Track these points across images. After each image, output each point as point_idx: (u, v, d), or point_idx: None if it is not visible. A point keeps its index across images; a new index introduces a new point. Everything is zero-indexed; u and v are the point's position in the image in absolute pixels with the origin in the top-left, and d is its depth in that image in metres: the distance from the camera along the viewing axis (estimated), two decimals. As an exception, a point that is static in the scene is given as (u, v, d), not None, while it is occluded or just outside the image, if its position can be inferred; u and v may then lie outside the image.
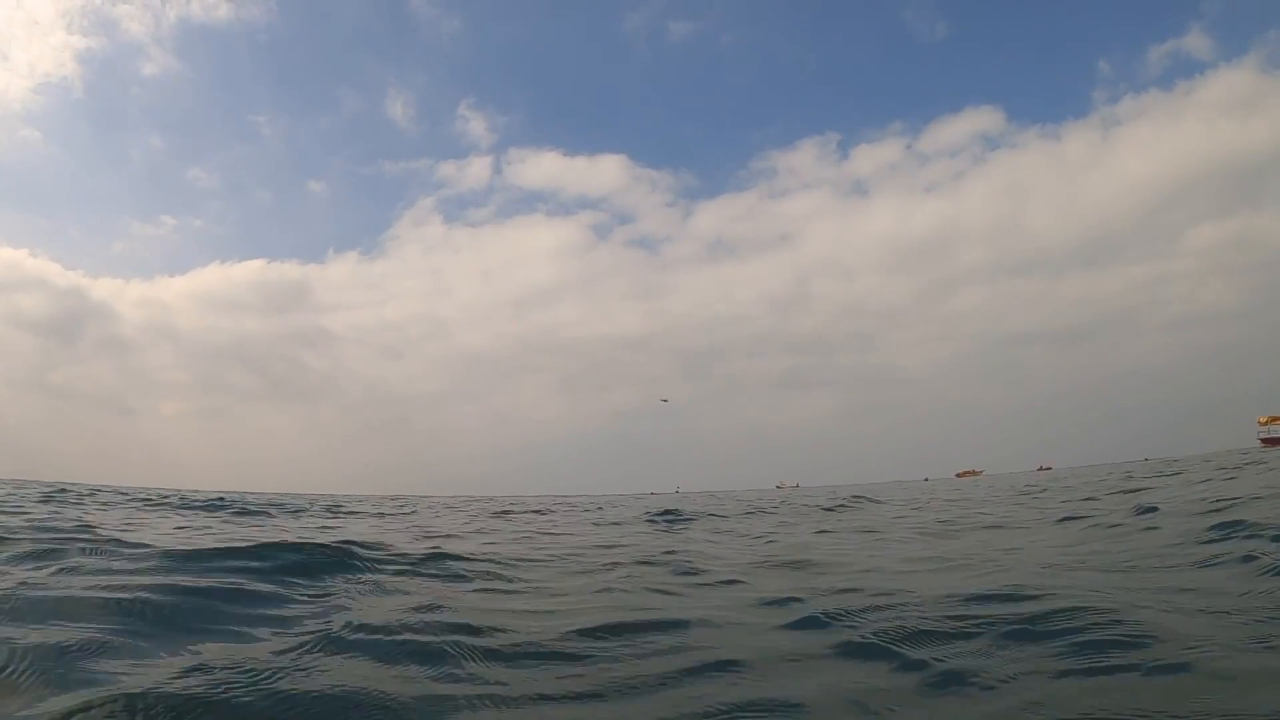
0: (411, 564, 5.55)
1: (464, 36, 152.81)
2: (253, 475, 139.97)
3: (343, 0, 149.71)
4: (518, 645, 3.20)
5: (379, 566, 5.29)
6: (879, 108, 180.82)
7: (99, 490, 23.97)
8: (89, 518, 9.79)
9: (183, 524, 10.38)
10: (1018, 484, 26.83)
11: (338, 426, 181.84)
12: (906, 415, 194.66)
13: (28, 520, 8.74)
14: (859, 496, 21.71)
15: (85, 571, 4.60)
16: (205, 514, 13.38)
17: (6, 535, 6.51)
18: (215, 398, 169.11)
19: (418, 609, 3.77)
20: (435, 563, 5.68)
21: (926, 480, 74.23)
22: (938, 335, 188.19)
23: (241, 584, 4.31)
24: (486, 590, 4.79)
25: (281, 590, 4.31)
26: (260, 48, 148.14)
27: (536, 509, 19.40)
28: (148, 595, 3.78)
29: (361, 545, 5.95)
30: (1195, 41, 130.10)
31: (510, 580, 5.20)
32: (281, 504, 19.01)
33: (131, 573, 4.54)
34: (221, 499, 19.39)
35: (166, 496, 20.65)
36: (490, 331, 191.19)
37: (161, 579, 4.28)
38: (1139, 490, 13.05)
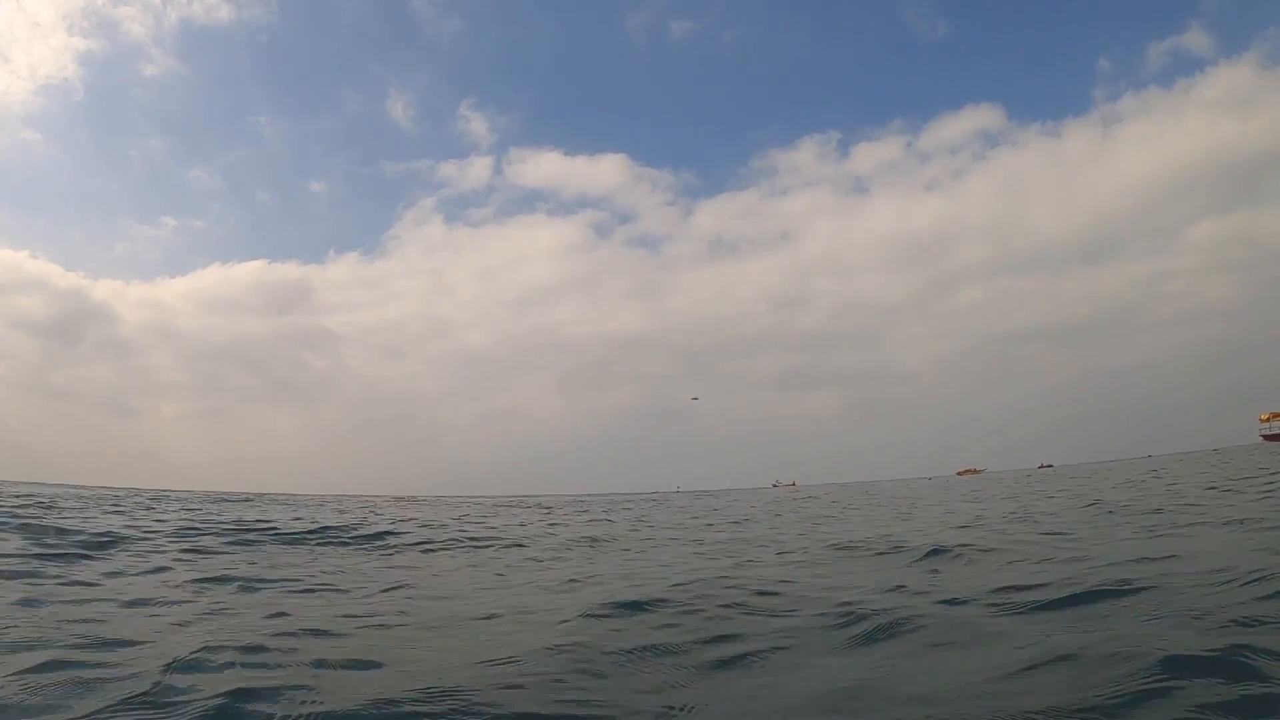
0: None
1: (464, 37, 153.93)
2: (254, 476, 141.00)
3: (343, 1, 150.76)
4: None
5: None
6: (879, 106, 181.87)
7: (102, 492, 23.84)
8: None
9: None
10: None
11: (339, 426, 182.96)
12: (908, 413, 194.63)
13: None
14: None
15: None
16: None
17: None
18: (216, 398, 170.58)
19: None
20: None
21: (930, 480, 74.28)
22: (938, 332, 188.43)
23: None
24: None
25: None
26: (261, 49, 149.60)
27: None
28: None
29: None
30: (1195, 39, 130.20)
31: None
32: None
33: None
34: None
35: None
36: (491, 330, 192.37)
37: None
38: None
